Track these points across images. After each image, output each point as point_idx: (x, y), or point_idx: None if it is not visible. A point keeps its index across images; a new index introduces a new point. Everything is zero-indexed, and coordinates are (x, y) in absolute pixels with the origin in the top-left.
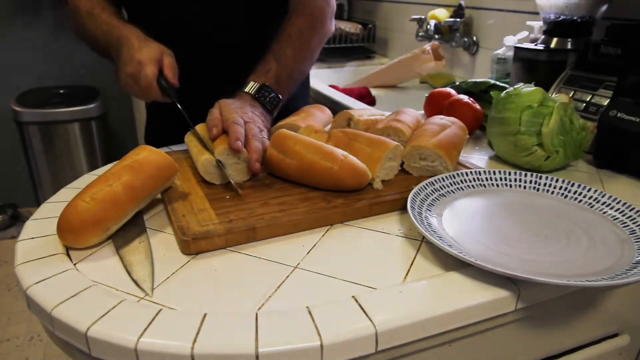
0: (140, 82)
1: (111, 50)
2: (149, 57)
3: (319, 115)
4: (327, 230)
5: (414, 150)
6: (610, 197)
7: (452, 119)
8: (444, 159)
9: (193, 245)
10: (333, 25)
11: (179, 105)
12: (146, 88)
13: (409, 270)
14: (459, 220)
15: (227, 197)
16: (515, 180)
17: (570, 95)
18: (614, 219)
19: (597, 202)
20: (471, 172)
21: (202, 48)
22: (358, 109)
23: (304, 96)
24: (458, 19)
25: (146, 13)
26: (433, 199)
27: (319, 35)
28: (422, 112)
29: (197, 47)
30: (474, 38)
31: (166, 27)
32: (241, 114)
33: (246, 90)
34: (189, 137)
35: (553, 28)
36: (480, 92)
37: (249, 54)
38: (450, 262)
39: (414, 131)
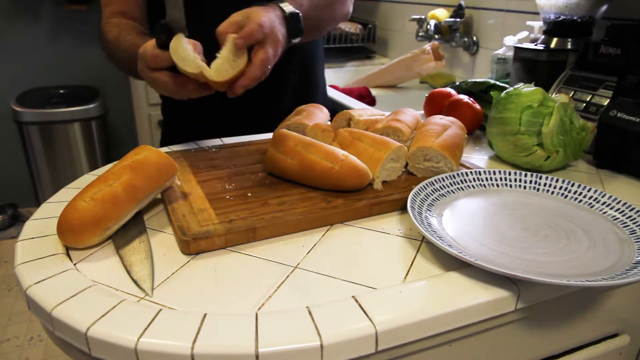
0: (146, 58)
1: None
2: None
3: (319, 115)
4: (327, 230)
5: (419, 152)
6: (610, 197)
7: (451, 118)
8: (449, 160)
9: (193, 245)
10: (351, 8)
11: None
12: (152, 59)
13: (409, 270)
14: (459, 220)
15: (227, 197)
16: (515, 180)
17: (570, 95)
18: (614, 219)
19: (597, 202)
20: (471, 172)
21: None
22: (358, 109)
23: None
24: (458, 19)
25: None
26: (433, 199)
27: (342, 4)
28: (422, 112)
29: None
30: (474, 38)
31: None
32: (270, 29)
33: (281, 5)
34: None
35: (553, 28)
36: (480, 92)
37: None
38: (450, 262)
39: (413, 131)
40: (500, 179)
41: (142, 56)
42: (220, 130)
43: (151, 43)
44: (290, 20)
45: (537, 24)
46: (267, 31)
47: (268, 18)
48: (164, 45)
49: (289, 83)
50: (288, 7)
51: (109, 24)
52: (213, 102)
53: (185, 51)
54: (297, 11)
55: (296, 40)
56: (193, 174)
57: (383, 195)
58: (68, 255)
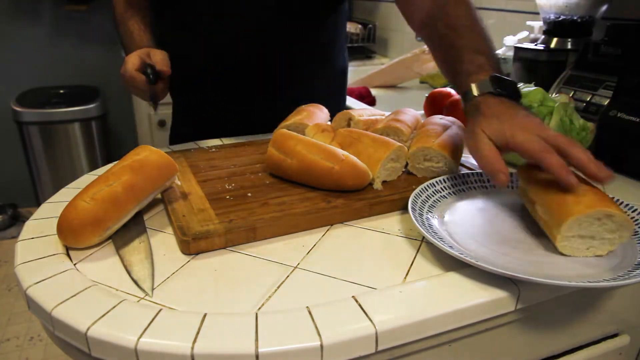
0: (124, 76)
1: None
2: (132, 55)
3: (320, 115)
4: (327, 230)
5: (419, 151)
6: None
7: (451, 118)
8: (449, 159)
9: (193, 245)
10: None
11: (153, 90)
12: (129, 79)
13: (409, 270)
14: (461, 222)
15: (227, 197)
16: (517, 181)
17: (570, 95)
18: None
19: None
20: (473, 173)
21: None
22: (358, 109)
23: (341, 91)
24: None
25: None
26: (434, 200)
27: (479, 15)
28: (422, 112)
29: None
30: None
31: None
32: (533, 134)
33: (478, 92)
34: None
35: (553, 28)
36: None
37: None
38: (450, 262)
39: (413, 131)
40: None
41: (123, 67)
42: (227, 129)
43: (134, 63)
44: (502, 88)
45: (537, 24)
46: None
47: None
48: (151, 81)
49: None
50: (483, 84)
51: (118, 3)
52: (217, 102)
53: None
54: (493, 75)
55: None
56: (193, 174)
57: (383, 195)
58: (68, 255)
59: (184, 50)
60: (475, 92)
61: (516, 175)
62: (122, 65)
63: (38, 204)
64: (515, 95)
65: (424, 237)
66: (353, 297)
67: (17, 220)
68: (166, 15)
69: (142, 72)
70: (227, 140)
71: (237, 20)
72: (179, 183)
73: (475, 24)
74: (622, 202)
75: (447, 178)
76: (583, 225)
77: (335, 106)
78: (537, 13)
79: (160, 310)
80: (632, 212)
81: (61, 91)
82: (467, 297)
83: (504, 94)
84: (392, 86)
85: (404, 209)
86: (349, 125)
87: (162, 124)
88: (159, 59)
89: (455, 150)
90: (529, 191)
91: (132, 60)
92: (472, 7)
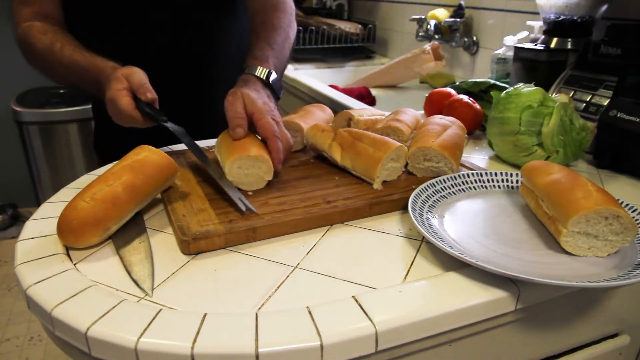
0: (122, 118)
1: (91, 90)
2: (115, 90)
3: (319, 114)
4: (327, 230)
5: (419, 151)
6: None
7: (451, 118)
8: (449, 159)
9: (193, 245)
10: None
11: (168, 125)
12: (130, 121)
13: (409, 270)
14: (461, 222)
15: (227, 197)
16: (517, 182)
17: (570, 95)
18: None
19: None
20: (473, 173)
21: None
22: (358, 109)
23: None
24: (458, 19)
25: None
26: (434, 200)
27: (293, 29)
28: (422, 112)
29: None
30: (474, 38)
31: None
32: (270, 115)
33: (257, 74)
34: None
35: (553, 28)
36: (480, 92)
37: (201, 56)
38: (450, 262)
39: (413, 131)
40: (502, 180)
41: (112, 108)
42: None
43: (130, 102)
44: (271, 82)
45: (537, 24)
46: (272, 115)
47: (265, 106)
48: (149, 117)
49: None
50: (262, 71)
51: (32, 30)
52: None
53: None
54: (269, 69)
55: (280, 94)
56: (193, 174)
57: (383, 195)
58: (68, 255)
59: (107, 51)
60: (253, 70)
61: (517, 175)
62: (109, 106)
63: (38, 204)
64: (277, 94)
65: (424, 237)
66: (353, 297)
67: (17, 220)
68: (80, 25)
69: (140, 111)
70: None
71: (153, 12)
72: (178, 183)
73: (281, 29)
74: (622, 202)
75: (447, 178)
76: (591, 222)
77: None
78: (537, 13)
79: (160, 310)
80: (633, 212)
81: (61, 91)
82: (467, 297)
83: (269, 85)
84: (392, 86)
85: (404, 208)
86: (349, 125)
87: None
88: (138, 82)
89: (455, 150)
90: (535, 188)
91: (124, 99)
92: (288, 16)
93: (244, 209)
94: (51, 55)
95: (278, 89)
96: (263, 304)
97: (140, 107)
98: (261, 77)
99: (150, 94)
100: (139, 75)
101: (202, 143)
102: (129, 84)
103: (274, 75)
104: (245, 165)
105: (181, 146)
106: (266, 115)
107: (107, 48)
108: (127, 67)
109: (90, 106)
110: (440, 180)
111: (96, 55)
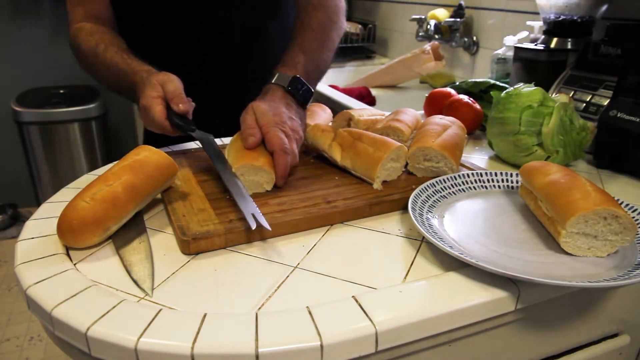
0: (153, 126)
1: (129, 94)
2: (150, 98)
3: (320, 114)
4: (327, 230)
5: (419, 151)
6: None
7: (451, 118)
8: (449, 159)
9: (193, 245)
10: (345, 23)
11: (195, 134)
12: (161, 130)
13: (409, 270)
14: (461, 222)
15: (227, 197)
16: (517, 182)
17: (570, 95)
18: None
19: None
20: (473, 173)
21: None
22: (358, 109)
23: None
24: (458, 19)
25: (144, 36)
26: (434, 200)
27: (337, 29)
28: (422, 112)
29: (196, 65)
30: (474, 38)
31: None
32: (280, 126)
33: (278, 82)
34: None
35: (553, 28)
36: (480, 92)
37: (247, 55)
38: (450, 262)
39: (413, 131)
40: (502, 180)
41: (145, 115)
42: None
43: (162, 112)
44: (292, 89)
45: (537, 24)
46: (282, 127)
47: (276, 117)
48: (177, 126)
49: None
50: (284, 77)
51: (81, 32)
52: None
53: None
54: (293, 75)
55: (311, 98)
56: (193, 174)
57: (383, 195)
58: (68, 255)
59: (155, 53)
60: (274, 80)
61: (516, 175)
62: (142, 112)
63: (38, 204)
64: (303, 100)
65: (424, 237)
66: (353, 297)
67: (17, 220)
68: (127, 23)
69: (170, 122)
70: (227, 140)
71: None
72: (178, 183)
73: (318, 31)
74: (622, 202)
75: (447, 178)
76: (589, 222)
77: None
78: (537, 13)
79: (160, 310)
80: (632, 212)
81: (61, 91)
82: (467, 297)
83: (292, 94)
84: (392, 86)
85: (404, 209)
86: (349, 125)
87: None
88: (172, 91)
89: (455, 150)
90: (533, 188)
91: (157, 108)
92: (329, 15)
93: (253, 226)
94: (94, 57)
95: (301, 95)
96: (263, 304)
97: (170, 117)
98: (282, 85)
99: (183, 106)
100: (174, 84)
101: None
102: (163, 92)
103: (298, 81)
104: (248, 172)
105: (181, 146)
106: (273, 128)
107: (150, 47)
108: (164, 73)
109: (90, 106)
110: (440, 180)
111: (134, 59)
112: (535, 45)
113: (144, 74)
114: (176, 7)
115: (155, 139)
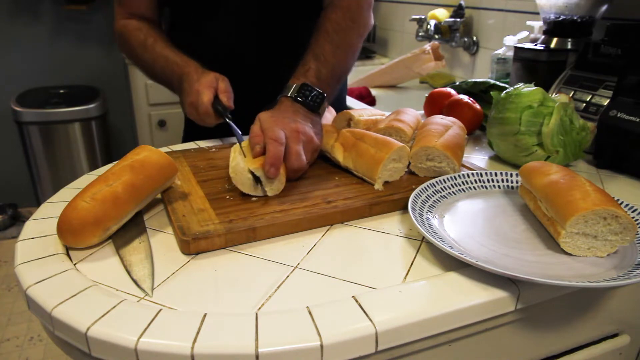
0: (198, 108)
1: (172, 83)
2: (205, 85)
3: (324, 115)
4: (327, 230)
5: (422, 151)
6: None
7: (451, 118)
8: (452, 159)
9: (193, 245)
10: (372, 18)
11: (232, 125)
12: (204, 114)
13: (409, 270)
14: (461, 222)
15: (227, 197)
16: (517, 182)
17: (570, 95)
18: None
19: None
20: (473, 173)
21: (238, 67)
22: (358, 109)
23: (340, 92)
24: (458, 19)
25: (190, 34)
26: (434, 200)
27: (358, 28)
28: (422, 112)
29: (234, 66)
30: (474, 38)
31: (206, 45)
32: (281, 128)
33: (285, 93)
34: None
35: (553, 28)
36: (480, 92)
37: (284, 59)
38: (450, 262)
39: (415, 131)
40: (502, 180)
41: (195, 97)
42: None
43: (211, 100)
44: (300, 96)
45: (537, 24)
46: (288, 133)
47: (278, 124)
48: (219, 114)
49: None
50: (291, 88)
51: (129, 26)
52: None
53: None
54: (300, 83)
55: (325, 102)
56: (193, 174)
57: (383, 195)
58: (68, 255)
59: (196, 53)
60: (284, 91)
61: (516, 175)
62: (191, 94)
63: (38, 204)
64: (313, 105)
65: (424, 237)
66: (353, 297)
67: (17, 220)
68: (175, 24)
69: (213, 108)
70: (227, 140)
71: (239, 18)
72: (178, 183)
73: (334, 33)
74: (622, 202)
75: (447, 178)
76: (589, 222)
77: (337, 104)
78: (537, 13)
79: (160, 310)
80: (632, 212)
81: (61, 91)
82: (467, 297)
83: (300, 101)
84: (392, 86)
85: (404, 208)
86: (349, 125)
87: (162, 124)
88: (224, 88)
89: (457, 150)
90: (533, 188)
91: (208, 94)
92: (349, 15)
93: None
94: (143, 49)
95: (311, 100)
96: (263, 304)
97: (215, 104)
98: (289, 95)
99: (229, 101)
100: (226, 82)
101: None
102: (216, 85)
103: (306, 88)
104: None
105: (181, 146)
106: (273, 129)
107: (194, 45)
108: (218, 73)
109: (90, 106)
110: (440, 180)
111: (183, 54)
112: (535, 45)
113: (196, 67)
114: (216, 6)
115: (196, 132)
